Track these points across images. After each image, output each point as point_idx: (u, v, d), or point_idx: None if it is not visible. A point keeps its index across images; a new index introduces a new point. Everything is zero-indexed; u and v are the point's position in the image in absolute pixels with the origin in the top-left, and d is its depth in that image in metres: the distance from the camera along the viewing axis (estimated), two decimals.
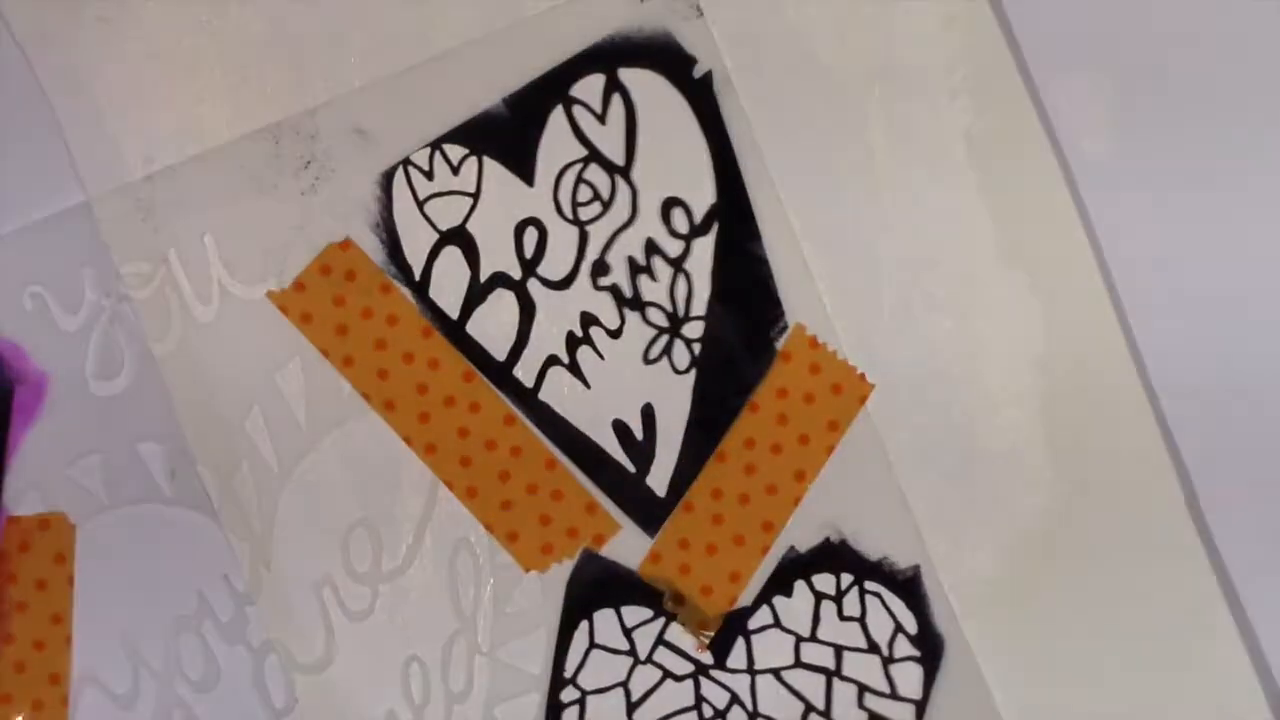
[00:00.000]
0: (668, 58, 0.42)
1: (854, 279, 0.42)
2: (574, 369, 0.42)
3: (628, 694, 0.43)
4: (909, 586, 0.42)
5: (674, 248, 0.42)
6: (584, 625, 0.43)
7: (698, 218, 0.42)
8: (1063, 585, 0.42)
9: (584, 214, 0.42)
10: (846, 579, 0.42)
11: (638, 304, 0.42)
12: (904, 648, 0.42)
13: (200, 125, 0.42)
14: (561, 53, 0.42)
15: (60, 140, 0.42)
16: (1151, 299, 0.42)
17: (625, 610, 0.43)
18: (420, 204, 0.42)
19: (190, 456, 0.42)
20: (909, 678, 0.42)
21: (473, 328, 0.43)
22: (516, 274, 0.42)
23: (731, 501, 0.42)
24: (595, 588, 0.43)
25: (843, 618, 0.42)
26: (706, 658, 0.43)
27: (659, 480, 0.43)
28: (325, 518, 0.43)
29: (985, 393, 0.42)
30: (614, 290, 0.42)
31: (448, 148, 0.42)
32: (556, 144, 0.42)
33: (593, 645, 0.43)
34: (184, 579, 0.43)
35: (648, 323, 0.42)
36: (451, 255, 0.42)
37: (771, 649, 0.43)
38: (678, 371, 0.42)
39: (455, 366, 0.42)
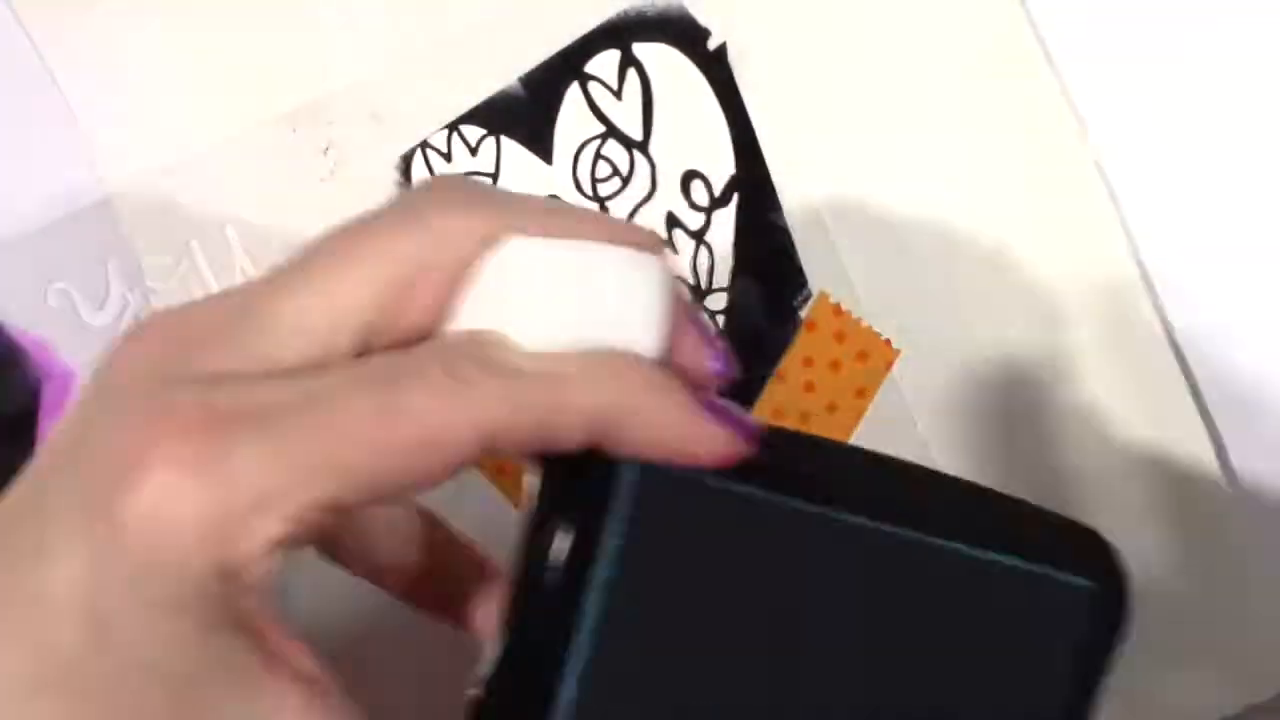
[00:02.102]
0: (682, 31, 0.42)
1: (875, 244, 0.42)
2: None
3: None
4: None
5: (695, 220, 0.42)
6: None
7: (717, 190, 0.42)
8: None
9: (604, 190, 0.42)
10: None
11: None
12: None
13: (217, 115, 0.42)
14: (575, 30, 0.42)
15: (78, 136, 0.42)
16: (1166, 238, 0.42)
17: None
18: None
19: None
20: None
21: None
22: None
23: None
24: None
25: None
26: None
27: None
28: None
29: (1010, 351, 0.42)
30: None
31: (465, 129, 0.42)
32: (574, 121, 0.42)
33: None
34: None
35: None
36: None
37: None
38: None
39: None
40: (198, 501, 0.20)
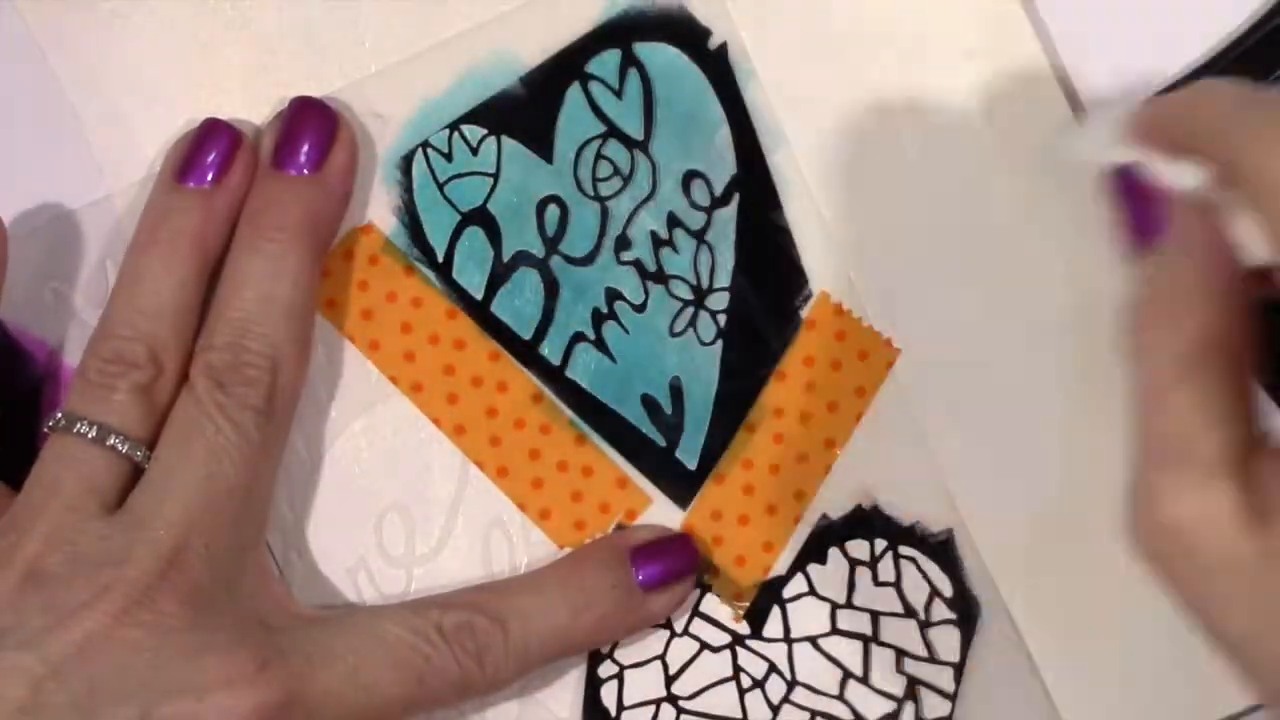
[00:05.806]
0: (682, 30, 0.42)
1: (876, 244, 0.42)
2: (600, 345, 0.43)
3: (665, 667, 0.43)
4: (943, 550, 0.42)
5: (696, 220, 0.42)
6: None
7: (718, 189, 0.42)
8: (1097, 542, 0.42)
9: (604, 190, 0.42)
10: (880, 544, 0.42)
11: (661, 277, 0.42)
12: (940, 611, 0.42)
13: (218, 115, 0.42)
14: (576, 30, 0.42)
15: (80, 136, 0.42)
16: None
17: None
18: (440, 186, 0.43)
19: None
20: (947, 641, 0.42)
21: (497, 307, 0.43)
22: (539, 252, 0.42)
23: (762, 471, 0.42)
24: None
25: (878, 583, 0.42)
26: (743, 628, 0.43)
27: (689, 453, 0.43)
28: (357, 503, 0.43)
29: (1011, 353, 0.42)
30: (637, 265, 0.42)
31: (466, 129, 0.43)
32: (574, 121, 0.42)
33: None
34: None
35: (672, 296, 0.42)
36: (474, 236, 0.42)
37: (808, 617, 0.43)
38: (704, 344, 0.42)
39: (481, 347, 0.42)
40: None
